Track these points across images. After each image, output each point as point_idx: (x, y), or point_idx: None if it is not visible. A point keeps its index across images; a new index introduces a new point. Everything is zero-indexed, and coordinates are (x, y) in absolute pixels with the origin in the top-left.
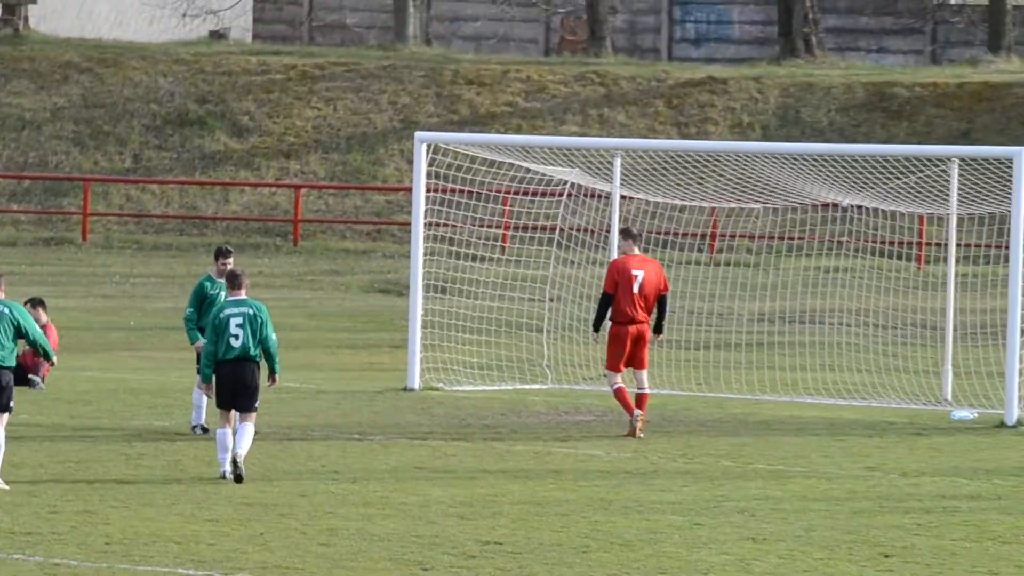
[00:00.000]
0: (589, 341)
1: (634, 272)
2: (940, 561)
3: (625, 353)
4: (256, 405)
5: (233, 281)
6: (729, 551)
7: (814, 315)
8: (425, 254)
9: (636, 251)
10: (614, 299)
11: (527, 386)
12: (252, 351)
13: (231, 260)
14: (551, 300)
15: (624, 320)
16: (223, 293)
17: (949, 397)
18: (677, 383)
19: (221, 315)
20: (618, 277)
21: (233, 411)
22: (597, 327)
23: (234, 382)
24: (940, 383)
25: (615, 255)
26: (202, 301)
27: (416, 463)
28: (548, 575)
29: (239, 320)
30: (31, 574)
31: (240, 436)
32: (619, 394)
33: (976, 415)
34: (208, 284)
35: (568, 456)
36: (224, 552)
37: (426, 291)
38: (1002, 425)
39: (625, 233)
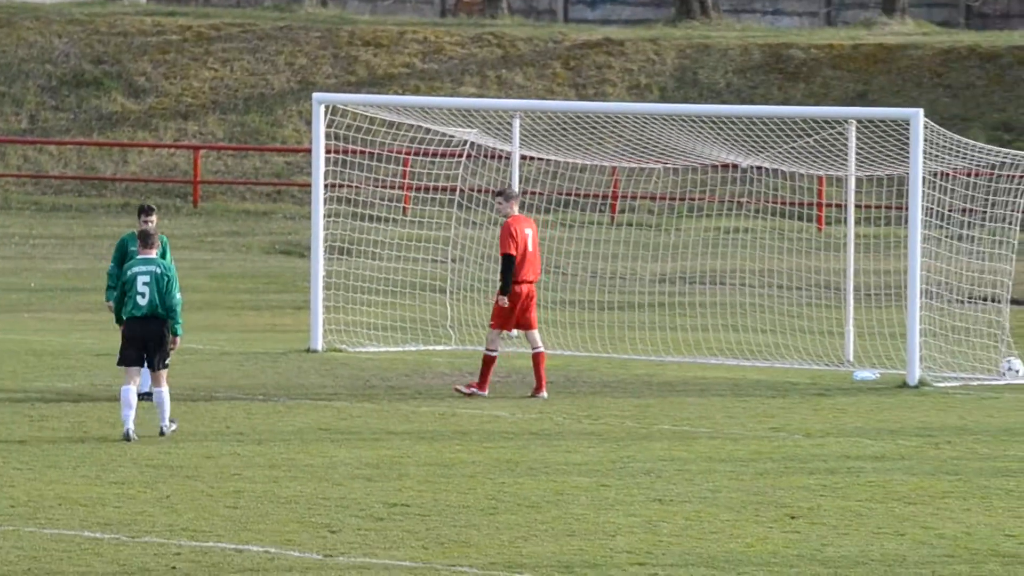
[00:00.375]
0: (492, 302)
1: (525, 231)
2: (846, 522)
3: (515, 314)
4: (167, 362)
5: (145, 240)
6: (636, 512)
7: (716, 276)
8: (326, 215)
9: (515, 210)
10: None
11: (431, 347)
12: (159, 309)
13: (153, 218)
14: (453, 261)
15: (521, 280)
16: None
17: (851, 358)
18: (581, 344)
19: (129, 273)
20: (517, 238)
21: (139, 369)
22: (507, 291)
23: (143, 339)
24: (842, 344)
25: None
26: (123, 257)
27: (321, 425)
28: (456, 537)
29: (146, 279)
30: None
31: (159, 406)
32: (491, 362)
33: (878, 376)
34: (130, 241)
35: (473, 417)
36: (130, 515)
37: (328, 252)
38: (904, 385)
39: (506, 194)
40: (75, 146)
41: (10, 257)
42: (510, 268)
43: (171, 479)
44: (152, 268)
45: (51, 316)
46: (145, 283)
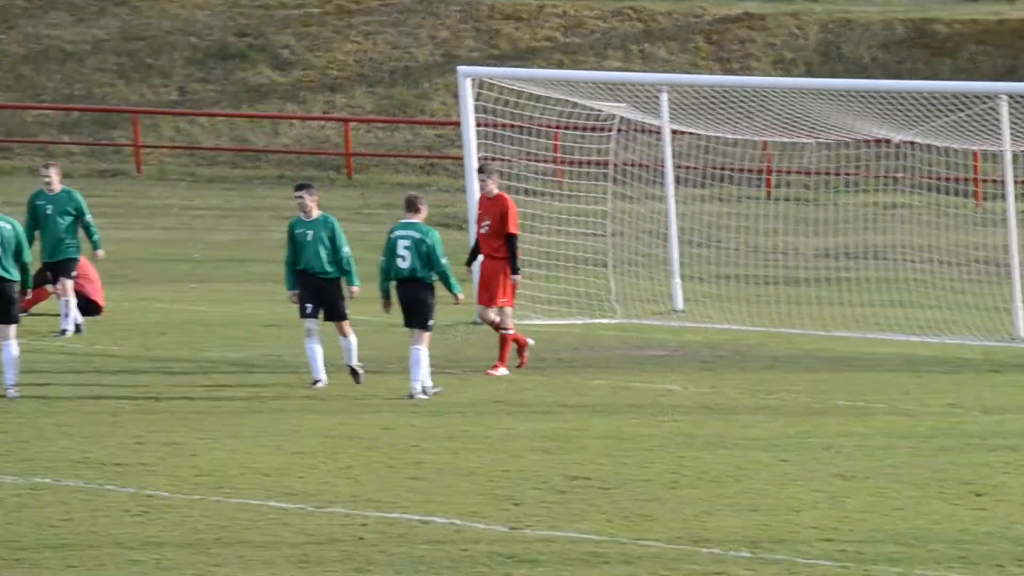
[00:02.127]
0: (653, 277)
1: None
2: None
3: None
4: (430, 323)
5: (408, 205)
6: (819, 488)
7: (878, 251)
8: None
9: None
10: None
11: (596, 320)
12: (419, 272)
13: (303, 193)
14: (612, 235)
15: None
16: (304, 231)
17: (1022, 334)
18: (747, 318)
19: (392, 236)
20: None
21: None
22: (518, 270)
23: (405, 301)
24: (1011, 320)
25: (671, 190)
26: (292, 242)
27: (495, 397)
28: (640, 511)
29: (406, 243)
30: (125, 504)
31: (415, 365)
32: (509, 340)
33: None
34: (294, 224)
35: (646, 391)
36: (314, 485)
37: None
38: None
39: (487, 170)
40: (226, 118)
41: (170, 228)
42: (516, 246)
43: (351, 450)
44: (411, 233)
45: (216, 287)
46: (406, 247)
